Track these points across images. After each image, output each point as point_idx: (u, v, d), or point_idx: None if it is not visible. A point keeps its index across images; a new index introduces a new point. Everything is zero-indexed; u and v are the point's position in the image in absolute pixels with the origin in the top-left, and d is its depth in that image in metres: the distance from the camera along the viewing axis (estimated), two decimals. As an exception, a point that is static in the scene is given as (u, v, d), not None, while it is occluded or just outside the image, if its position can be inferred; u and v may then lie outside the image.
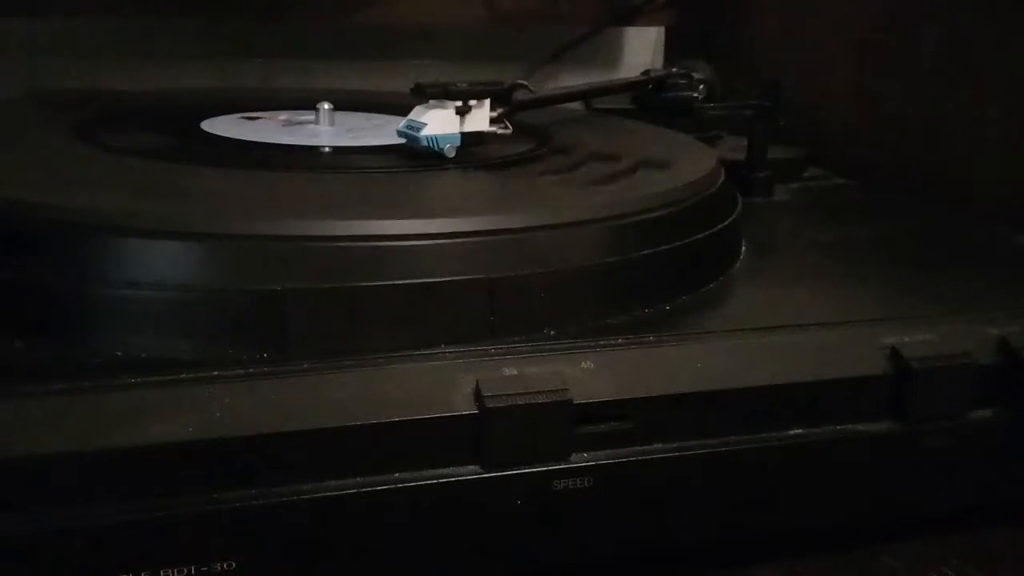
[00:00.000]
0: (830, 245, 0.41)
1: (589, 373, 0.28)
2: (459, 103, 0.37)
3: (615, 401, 0.28)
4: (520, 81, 0.44)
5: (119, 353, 0.26)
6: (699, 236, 0.34)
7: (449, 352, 0.27)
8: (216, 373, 0.25)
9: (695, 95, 0.51)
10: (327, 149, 0.41)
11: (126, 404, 0.24)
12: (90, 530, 0.23)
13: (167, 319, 0.27)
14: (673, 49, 0.77)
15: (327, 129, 0.44)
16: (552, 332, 0.29)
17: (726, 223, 0.36)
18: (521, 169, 0.38)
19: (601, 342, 0.29)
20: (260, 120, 0.45)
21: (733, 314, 0.33)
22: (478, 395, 0.26)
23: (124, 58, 0.66)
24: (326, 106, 0.44)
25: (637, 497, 0.28)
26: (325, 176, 0.36)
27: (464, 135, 0.38)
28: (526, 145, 0.42)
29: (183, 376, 0.25)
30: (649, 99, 0.52)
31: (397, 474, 0.26)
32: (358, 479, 0.25)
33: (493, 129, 0.39)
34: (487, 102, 0.39)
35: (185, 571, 0.24)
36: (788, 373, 0.30)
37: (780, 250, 0.41)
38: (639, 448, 0.28)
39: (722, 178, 0.40)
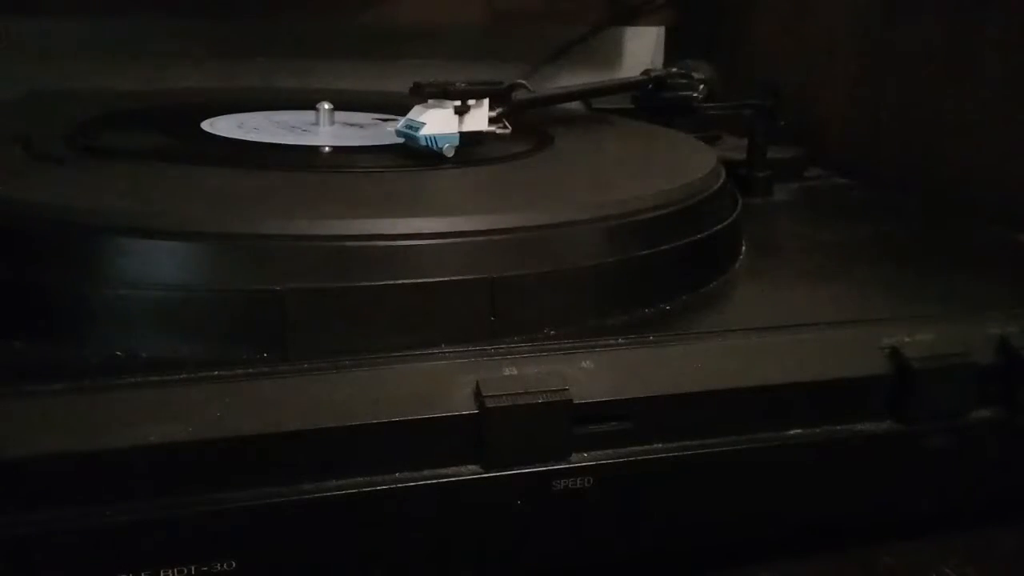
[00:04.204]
0: (830, 245, 0.41)
1: (589, 373, 0.28)
2: (458, 103, 0.37)
3: (615, 401, 0.28)
4: (519, 81, 0.44)
5: (119, 353, 0.26)
6: (699, 236, 0.34)
7: (449, 352, 0.27)
8: (216, 373, 0.25)
9: (695, 95, 0.51)
10: (327, 149, 0.41)
11: (126, 404, 0.24)
12: (90, 530, 0.23)
13: (167, 319, 0.27)
14: (673, 49, 0.77)
15: (327, 129, 0.44)
16: (552, 332, 0.29)
17: (726, 223, 0.36)
18: (520, 169, 0.38)
19: (601, 342, 0.29)
20: (259, 120, 0.45)
21: (733, 314, 0.33)
22: (478, 395, 0.26)
23: (124, 58, 0.66)
24: (326, 106, 0.44)
25: (637, 497, 0.28)
26: (325, 176, 0.36)
27: (463, 135, 0.38)
28: (525, 145, 0.42)
29: (183, 376, 0.25)
30: (649, 99, 0.52)
31: (397, 474, 0.26)
32: (358, 479, 0.25)
33: (492, 129, 0.39)
34: (486, 102, 0.39)
35: (185, 571, 0.24)
36: (788, 373, 0.30)
37: (780, 250, 0.41)
38: (639, 448, 0.28)
39: (722, 178, 0.40)
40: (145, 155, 0.37)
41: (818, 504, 0.31)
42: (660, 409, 0.28)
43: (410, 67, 0.70)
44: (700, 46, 0.70)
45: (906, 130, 0.56)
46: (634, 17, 0.75)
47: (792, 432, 0.30)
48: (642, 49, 0.79)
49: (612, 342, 0.29)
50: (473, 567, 0.27)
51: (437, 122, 0.37)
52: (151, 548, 0.24)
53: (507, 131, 0.40)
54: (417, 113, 0.38)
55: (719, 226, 0.36)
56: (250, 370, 0.25)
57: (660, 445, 0.28)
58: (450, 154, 0.38)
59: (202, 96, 0.53)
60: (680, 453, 0.28)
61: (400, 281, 0.28)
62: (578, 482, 0.27)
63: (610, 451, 0.28)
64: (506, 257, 0.29)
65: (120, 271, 0.27)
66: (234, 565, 0.25)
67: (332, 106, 0.44)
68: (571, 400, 0.27)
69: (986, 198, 0.50)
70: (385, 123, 0.45)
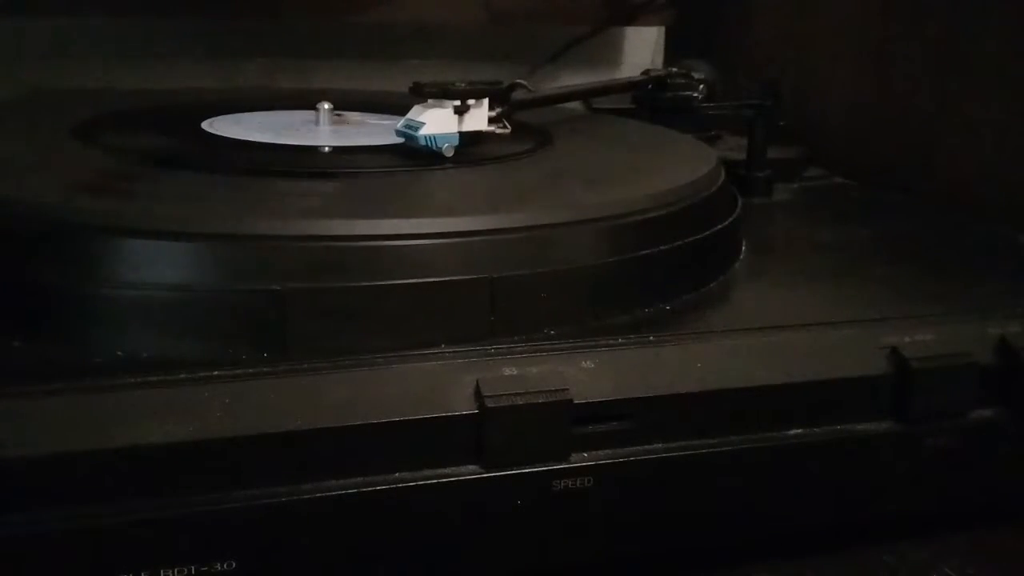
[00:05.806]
0: (830, 245, 0.41)
1: (589, 373, 0.28)
2: (457, 102, 0.37)
3: (615, 401, 0.28)
4: (519, 81, 0.44)
5: (119, 353, 0.26)
6: (699, 236, 0.34)
7: (449, 352, 0.27)
8: (216, 373, 0.25)
9: (695, 95, 0.51)
10: (327, 149, 0.41)
11: (126, 404, 0.24)
12: (90, 530, 0.23)
13: (167, 319, 0.27)
14: (673, 49, 0.77)
15: (327, 129, 0.44)
16: (552, 332, 0.29)
17: (726, 223, 0.36)
18: (520, 169, 0.38)
19: (601, 342, 0.29)
20: (260, 120, 0.45)
21: (733, 314, 0.33)
22: (478, 395, 0.26)
23: (124, 58, 0.66)
24: (326, 106, 0.44)
25: (637, 497, 0.28)
26: (325, 176, 0.36)
27: (462, 135, 0.38)
28: (525, 145, 0.42)
29: (183, 376, 0.25)
30: (649, 99, 0.52)
31: (397, 474, 0.26)
32: (358, 479, 0.25)
33: (491, 128, 0.39)
34: (485, 102, 0.39)
35: (185, 571, 0.24)
36: (788, 373, 0.30)
37: (780, 250, 0.41)
38: (639, 448, 0.28)
39: (722, 178, 0.40)
40: (145, 155, 0.37)
41: (818, 504, 0.31)
42: (660, 409, 0.28)
43: (410, 67, 0.70)
44: (700, 46, 0.70)
45: (906, 130, 0.56)
46: (634, 17, 0.75)
47: (792, 432, 0.30)
48: (642, 49, 0.79)
49: (612, 342, 0.29)
50: (473, 567, 0.27)
51: (437, 122, 0.37)
52: (151, 548, 0.24)
53: (507, 131, 0.40)
54: (417, 113, 0.38)
55: (719, 226, 0.36)
56: (250, 370, 0.25)
57: (660, 445, 0.28)
58: (450, 154, 0.38)
59: (202, 96, 0.53)
60: (680, 453, 0.28)
61: (400, 281, 0.28)
62: (578, 482, 0.27)
63: (610, 451, 0.28)
64: (506, 257, 0.29)
65: (120, 271, 0.27)
66: (234, 565, 0.25)
67: (332, 106, 0.44)
68: (571, 400, 0.27)
69: (986, 198, 0.50)
70: (385, 123, 0.45)
